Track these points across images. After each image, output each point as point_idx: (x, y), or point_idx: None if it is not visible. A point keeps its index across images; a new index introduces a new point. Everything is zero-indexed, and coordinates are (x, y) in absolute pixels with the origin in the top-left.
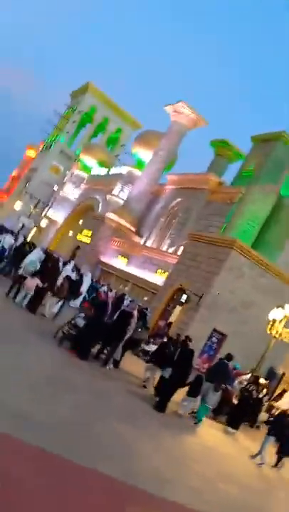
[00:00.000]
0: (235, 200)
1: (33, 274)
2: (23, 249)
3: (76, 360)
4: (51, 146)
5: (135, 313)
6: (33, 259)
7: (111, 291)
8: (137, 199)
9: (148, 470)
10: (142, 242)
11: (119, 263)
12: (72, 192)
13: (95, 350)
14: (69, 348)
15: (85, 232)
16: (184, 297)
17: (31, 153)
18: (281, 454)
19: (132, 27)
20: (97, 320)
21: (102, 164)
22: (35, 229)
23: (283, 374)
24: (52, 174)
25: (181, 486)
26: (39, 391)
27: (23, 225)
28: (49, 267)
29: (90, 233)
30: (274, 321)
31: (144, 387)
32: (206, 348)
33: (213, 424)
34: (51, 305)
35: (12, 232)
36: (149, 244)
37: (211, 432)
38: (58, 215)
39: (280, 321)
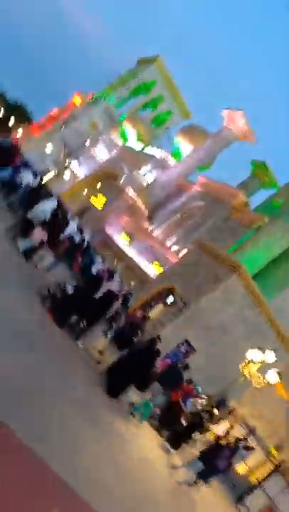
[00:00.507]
0: (254, 226)
1: (42, 224)
2: (38, 192)
3: (51, 324)
4: (99, 101)
5: (120, 297)
6: (46, 208)
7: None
8: (161, 186)
9: (74, 464)
10: (150, 228)
11: (122, 240)
12: (102, 153)
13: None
14: (48, 308)
15: (100, 197)
16: (171, 299)
17: (77, 99)
18: (201, 477)
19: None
20: (85, 295)
21: (140, 138)
22: (53, 175)
23: (233, 409)
24: (89, 129)
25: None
26: None
27: (47, 169)
28: (57, 219)
29: (104, 200)
30: (250, 361)
31: (99, 362)
32: (171, 355)
33: (156, 437)
34: (45, 257)
35: (34, 173)
36: (155, 234)
37: (151, 445)
38: (80, 170)
39: (256, 363)
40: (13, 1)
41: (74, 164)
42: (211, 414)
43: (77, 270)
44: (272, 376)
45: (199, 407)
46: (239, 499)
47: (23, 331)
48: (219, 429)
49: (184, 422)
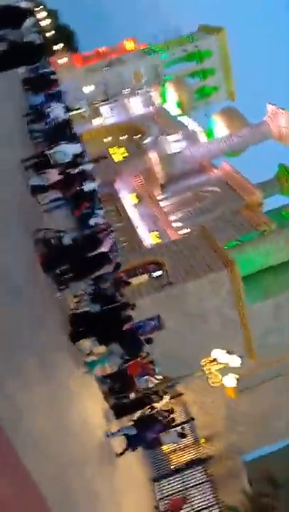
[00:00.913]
0: (260, 228)
1: (59, 166)
2: (64, 130)
3: (38, 267)
4: (150, 54)
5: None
6: (69, 152)
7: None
8: (184, 159)
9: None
10: (159, 197)
11: (128, 200)
12: (136, 107)
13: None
14: (40, 252)
15: (121, 150)
16: (158, 273)
17: (129, 45)
18: (129, 443)
19: None
20: (80, 250)
21: (179, 104)
22: (82, 113)
23: (180, 394)
24: (132, 78)
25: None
26: None
27: (79, 108)
28: (76, 167)
29: (124, 154)
30: (214, 360)
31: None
32: (139, 325)
33: (101, 401)
34: (48, 196)
35: (65, 107)
36: (163, 204)
37: (94, 407)
38: (110, 116)
39: (219, 363)
40: None
41: (105, 109)
42: (161, 396)
43: (78, 216)
44: (230, 381)
45: (151, 385)
46: (156, 479)
47: (6, 269)
48: (160, 404)
49: (132, 396)
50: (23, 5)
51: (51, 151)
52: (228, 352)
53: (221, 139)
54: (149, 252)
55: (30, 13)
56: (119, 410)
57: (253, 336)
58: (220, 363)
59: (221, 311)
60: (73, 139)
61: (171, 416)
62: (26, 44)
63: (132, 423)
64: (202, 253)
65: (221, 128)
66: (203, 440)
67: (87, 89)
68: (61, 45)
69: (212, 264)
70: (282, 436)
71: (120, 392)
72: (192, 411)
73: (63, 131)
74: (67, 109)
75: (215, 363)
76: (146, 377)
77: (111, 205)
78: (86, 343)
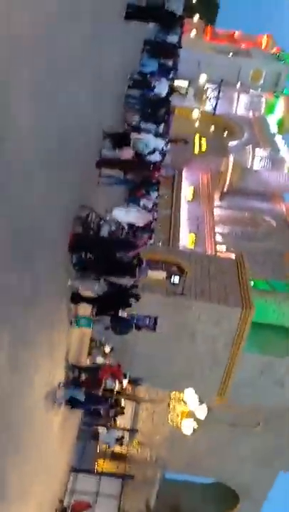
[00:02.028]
0: None
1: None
2: (160, 108)
3: (63, 245)
4: (281, 60)
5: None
6: (151, 145)
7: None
8: (259, 180)
9: None
10: (215, 204)
11: (186, 192)
12: (240, 105)
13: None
14: (73, 230)
15: (203, 142)
16: (176, 280)
17: (264, 41)
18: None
19: None
20: (111, 251)
21: (280, 122)
22: (185, 90)
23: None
24: (251, 75)
25: None
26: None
27: (186, 92)
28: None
29: (204, 148)
30: (183, 400)
31: None
32: (138, 317)
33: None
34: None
35: (170, 87)
36: (215, 212)
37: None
38: (211, 104)
39: (185, 406)
40: None
41: (211, 94)
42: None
43: (139, 196)
44: (188, 427)
45: (114, 388)
46: (75, 470)
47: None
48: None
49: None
50: None
51: (135, 136)
52: (200, 400)
53: None
54: (179, 253)
55: None
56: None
57: (232, 379)
58: (186, 408)
59: (214, 342)
60: (165, 134)
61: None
62: (166, 12)
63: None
64: (227, 280)
65: None
66: (136, 442)
67: (205, 65)
68: (196, 17)
69: (230, 296)
70: (207, 473)
71: (89, 384)
72: (141, 414)
73: (158, 110)
74: (172, 90)
75: (182, 404)
76: (113, 383)
77: (168, 189)
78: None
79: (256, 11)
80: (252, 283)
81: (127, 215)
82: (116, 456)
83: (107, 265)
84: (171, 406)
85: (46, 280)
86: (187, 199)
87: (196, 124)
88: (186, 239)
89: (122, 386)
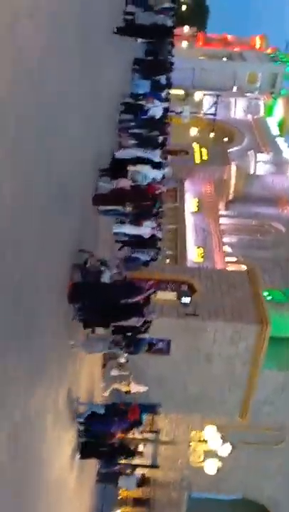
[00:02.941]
0: None
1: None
2: (151, 133)
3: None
4: (276, 61)
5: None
6: (150, 176)
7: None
8: (263, 185)
9: None
10: (221, 213)
11: (190, 204)
12: (238, 109)
13: None
14: (72, 278)
15: (204, 151)
16: (187, 300)
17: (257, 42)
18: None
19: None
20: (114, 298)
21: (280, 124)
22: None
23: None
24: (247, 78)
25: None
26: None
27: (181, 112)
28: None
29: (204, 157)
30: (204, 440)
31: None
32: (149, 340)
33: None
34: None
35: (165, 109)
36: (222, 222)
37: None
38: (209, 108)
39: (207, 445)
40: None
41: (208, 100)
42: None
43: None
44: (211, 467)
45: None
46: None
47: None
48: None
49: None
50: None
51: (132, 168)
52: (223, 437)
53: None
54: (187, 270)
55: None
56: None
57: (253, 399)
58: (208, 447)
59: (231, 362)
60: (164, 164)
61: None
62: (156, 25)
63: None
64: (240, 295)
65: None
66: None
67: (198, 71)
68: (186, 28)
69: (245, 313)
70: (234, 491)
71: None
72: (161, 437)
73: (151, 135)
74: (167, 110)
75: (204, 443)
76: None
77: (172, 202)
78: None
79: (246, 12)
80: (267, 294)
81: (132, 228)
82: (138, 502)
83: (111, 312)
84: (191, 447)
85: (47, 346)
86: (192, 211)
87: (196, 132)
88: (193, 253)
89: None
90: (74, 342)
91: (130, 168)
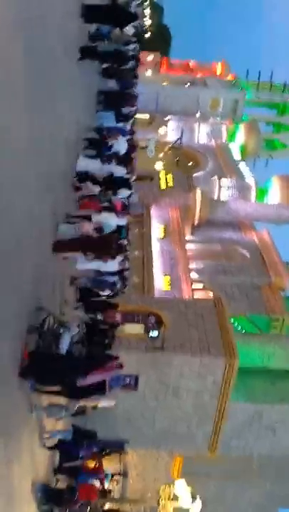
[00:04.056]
0: (272, 316)
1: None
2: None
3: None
4: (237, 88)
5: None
6: (113, 224)
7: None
8: (228, 211)
9: None
10: (188, 238)
11: (156, 230)
12: (201, 134)
13: None
14: (27, 346)
15: (169, 177)
16: (155, 334)
17: (219, 68)
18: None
19: None
20: (73, 374)
21: (242, 149)
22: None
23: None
24: (209, 104)
25: None
26: None
27: (146, 146)
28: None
29: (169, 183)
30: (173, 497)
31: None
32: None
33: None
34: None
35: (129, 142)
36: (188, 247)
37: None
38: (171, 134)
39: (177, 502)
40: None
41: (170, 124)
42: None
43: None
44: None
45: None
46: None
47: None
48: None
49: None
50: (133, 8)
51: (95, 218)
52: (193, 496)
53: (273, 207)
54: (154, 301)
55: (135, 18)
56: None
57: (222, 433)
58: (177, 505)
59: (199, 396)
60: (126, 186)
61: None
62: (119, 51)
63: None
64: (208, 326)
65: (275, 192)
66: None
67: (162, 96)
68: (152, 55)
69: (212, 345)
70: None
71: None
72: (130, 472)
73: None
74: (132, 147)
75: (173, 499)
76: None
77: (138, 228)
78: None
79: (207, 37)
80: (233, 321)
81: (98, 265)
82: None
83: (70, 390)
84: (161, 504)
85: None
86: (158, 237)
87: (161, 166)
88: (160, 281)
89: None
90: (34, 405)
91: (94, 217)
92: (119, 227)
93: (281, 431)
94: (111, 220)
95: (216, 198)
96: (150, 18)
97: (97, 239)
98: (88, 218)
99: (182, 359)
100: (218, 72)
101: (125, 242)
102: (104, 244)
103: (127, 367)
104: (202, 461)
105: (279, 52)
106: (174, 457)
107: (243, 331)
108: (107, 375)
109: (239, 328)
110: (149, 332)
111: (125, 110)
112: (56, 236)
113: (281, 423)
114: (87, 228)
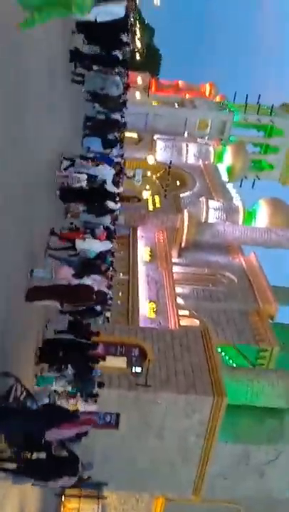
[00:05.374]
0: (261, 345)
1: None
2: (104, 198)
3: None
4: (224, 109)
5: None
6: (97, 249)
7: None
8: (215, 233)
9: None
10: (174, 261)
11: (142, 253)
12: (190, 155)
13: None
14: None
15: (156, 199)
16: (138, 370)
17: (207, 90)
18: None
19: None
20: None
21: (229, 170)
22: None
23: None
24: (197, 124)
25: None
26: None
27: (133, 175)
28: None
29: (157, 205)
30: None
31: None
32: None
33: None
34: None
35: (120, 168)
36: (174, 270)
37: None
38: (160, 154)
39: None
40: None
41: (161, 144)
42: None
43: None
44: None
45: None
46: None
47: None
48: None
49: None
50: (124, 39)
51: (78, 246)
52: None
53: (260, 230)
54: (139, 331)
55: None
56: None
57: (207, 475)
58: None
59: (184, 436)
60: (113, 198)
61: None
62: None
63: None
64: (194, 360)
65: (263, 215)
66: None
67: (151, 117)
68: (140, 78)
69: (199, 382)
70: None
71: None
72: None
73: (103, 201)
74: (119, 174)
75: None
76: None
77: (124, 250)
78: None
79: (196, 58)
80: (220, 351)
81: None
82: None
83: (34, 466)
84: None
85: None
86: (144, 260)
87: (148, 195)
88: (145, 308)
89: None
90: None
91: (78, 245)
92: (104, 253)
93: (268, 472)
94: (94, 246)
95: (203, 219)
96: (140, 41)
97: (75, 288)
98: (72, 245)
99: (167, 397)
100: (206, 93)
101: (110, 270)
102: (83, 295)
103: (107, 404)
104: (185, 502)
105: (268, 75)
106: (156, 498)
107: (231, 361)
108: (84, 429)
109: (226, 358)
110: (132, 367)
111: (111, 137)
112: (29, 283)
113: (268, 464)
114: (65, 273)
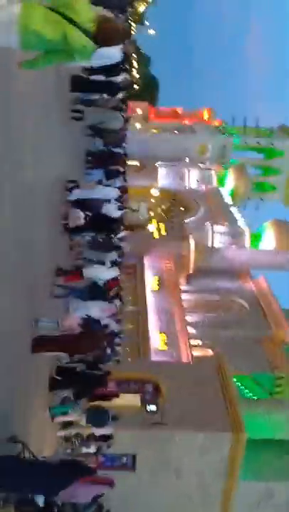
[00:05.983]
0: (276, 374)
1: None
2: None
3: None
4: (224, 133)
5: None
6: (104, 278)
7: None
8: (223, 258)
9: None
10: (183, 288)
11: (150, 282)
12: (192, 180)
13: None
14: None
15: (161, 226)
16: (153, 408)
17: (206, 115)
18: None
19: None
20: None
21: (232, 193)
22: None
23: None
24: (197, 150)
25: None
26: None
27: (136, 209)
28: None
29: (162, 232)
30: None
31: None
32: (108, 457)
33: None
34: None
35: (120, 208)
36: (184, 297)
37: None
38: (161, 180)
39: None
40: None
41: (163, 170)
42: None
43: None
44: None
45: None
46: None
47: None
48: None
49: None
50: (120, 79)
51: (86, 273)
52: None
53: (266, 253)
54: (151, 366)
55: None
56: None
57: None
58: None
59: (203, 475)
60: (116, 248)
61: None
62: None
63: None
64: (209, 394)
65: (269, 238)
66: None
67: (151, 146)
68: (139, 109)
69: (216, 418)
70: None
71: None
72: None
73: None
74: (123, 208)
75: None
76: None
77: (131, 281)
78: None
79: (193, 84)
80: (236, 381)
81: (89, 310)
82: None
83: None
84: None
85: None
86: (152, 289)
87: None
88: (156, 340)
89: None
90: None
91: (85, 273)
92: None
93: None
94: (102, 274)
95: (209, 244)
96: (137, 72)
97: (84, 335)
98: (79, 273)
99: (183, 434)
100: (205, 118)
101: (118, 300)
102: (93, 342)
103: (121, 444)
104: None
105: (265, 97)
106: None
107: (246, 391)
108: (101, 489)
109: (243, 388)
110: (146, 405)
111: (113, 168)
112: (34, 332)
113: None
114: (71, 323)
